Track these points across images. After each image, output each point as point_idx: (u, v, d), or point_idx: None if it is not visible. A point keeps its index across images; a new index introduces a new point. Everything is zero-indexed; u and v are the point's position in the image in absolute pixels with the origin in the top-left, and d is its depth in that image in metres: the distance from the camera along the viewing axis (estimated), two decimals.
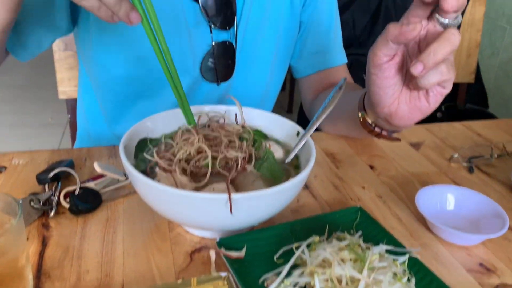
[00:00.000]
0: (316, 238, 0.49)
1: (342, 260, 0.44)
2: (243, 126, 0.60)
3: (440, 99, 0.54)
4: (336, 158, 0.73)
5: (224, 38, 0.76)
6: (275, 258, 0.49)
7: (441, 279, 0.47)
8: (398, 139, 0.65)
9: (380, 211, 0.61)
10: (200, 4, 0.72)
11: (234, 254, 0.49)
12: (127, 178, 0.62)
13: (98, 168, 0.57)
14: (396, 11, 1.41)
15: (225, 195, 0.45)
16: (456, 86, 1.60)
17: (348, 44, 1.41)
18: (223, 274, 0.46)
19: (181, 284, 0.45)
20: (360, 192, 0.65)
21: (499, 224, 0.55)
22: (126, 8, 0.48)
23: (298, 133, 0.59)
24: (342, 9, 1.40)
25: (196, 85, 0.78)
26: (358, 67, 1.37)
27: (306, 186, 0.65)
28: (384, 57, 0.52)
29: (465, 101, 1.59)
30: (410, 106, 0.55)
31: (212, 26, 0.73)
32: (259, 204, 0.48)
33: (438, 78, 0.49)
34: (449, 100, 1.56)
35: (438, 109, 1.50)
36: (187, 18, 0.72)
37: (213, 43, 0.75)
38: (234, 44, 0.76)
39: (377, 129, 0.63)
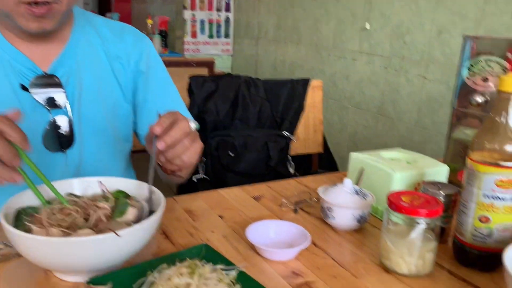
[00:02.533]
0: (164, 265, 0.65)
1: (181, 274, 0.60)
2: (105, 192, 0.77)
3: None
4: (193, 214, 0.91)
5: (61, 113, 0.94)
6: (133, 286, 0.63)
7: (262, 284, 0.65)
8: (181, 176, 0.89)
9: (223, 246, 0.78)
10: (32, 94, 0.90)
11: (100, 287, 0.62)
12: (7, 246, 0.72)
13: None
14: (251, 98, 1.71)
15: (88, 237, 0.59)
16: (309, 156, 1.92)
17: (214, 128, 1.66)
18: None
19: None
20: (210, 235, 0.82)
21: (306, 242, 0.75)
22: (10, 173, 0.65)
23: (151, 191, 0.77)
24: (206, 98, 1.67)
25: (44, 157, 0.93)
26: (225, 146, 1.60)
27: (167, 236, 0.81)
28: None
29: (318, 167, 1.91)
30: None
31: (48, 107, 0.92)
32: (121, 243, 0.62)
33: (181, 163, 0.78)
34: (304, 167, 1.86)
35: (294, 175, 1.78)
36: (24, 106, 0.90)
37: (51, 119, 0.93)
38: (69, 118, 0.95)
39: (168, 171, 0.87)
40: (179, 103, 1.11)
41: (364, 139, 2.49)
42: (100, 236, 0.60)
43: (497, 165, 0.70)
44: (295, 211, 0.94)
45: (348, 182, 0.87)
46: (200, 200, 0.97)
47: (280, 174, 1.68)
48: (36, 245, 0.60)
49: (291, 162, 1.72)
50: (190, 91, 1.69)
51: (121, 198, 0.75)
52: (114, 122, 1.03)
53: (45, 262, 0.62)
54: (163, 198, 0.72)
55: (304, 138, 1.89)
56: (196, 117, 1.65)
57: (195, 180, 1.60)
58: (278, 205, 0.97)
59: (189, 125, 0.75)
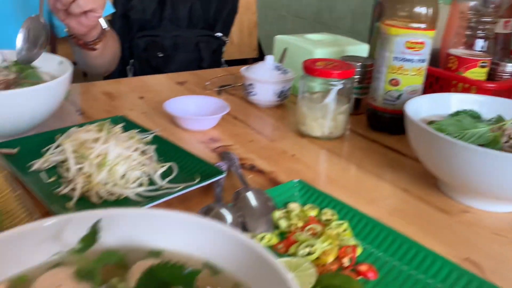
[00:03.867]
0: (74, 128, 0.63)
1: (88, 131, 0.58)
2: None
3: (91, 20, 0.77)
4: (112, 95, 0.88)
5: None
6: (42, 151, 0.61)
7: (179, 145, 0.64)
8: (94, 49, 0.86)
9: (142, 121, 0.77)
10: None
11: (5, 150, 0.60)
12: None
13: None
14: None
15: None
16: (244, 61, 1.89)
17: (141, 27, 1.58)
18: None
19: None
20: (128, 112, 0.80)
21: (225, 111, 0.75)
22: None
23: (60, 62, 0.72)
24: None
25: None
26: (153, 47, 1.54)
27: (82, 113, 0.78)
28: None
29: None
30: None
31: None
32: (25, 102, 0.59)
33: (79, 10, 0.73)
34: None
35: None
36: None
37: None
38: None
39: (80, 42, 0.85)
40: None
41: None
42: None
43: (407, 27, 0.71)
44: (219, 92, 0.93)
45: (269, 59, 0.87)
46: (120, 85, 0.94)
47: None
48: None
49: (225, 65, 1.69)
50: None
51: (29, 71, 0.71)
52: (26, 10, 0.93)
53: None
54: (71, 66, 0.68)
55: (239, 42, 1.85)
56: (121, 16, 1.56)
57: None
58: (203, 88, 0.95)
59: None
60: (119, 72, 1.60)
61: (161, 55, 1.54)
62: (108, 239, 0.33)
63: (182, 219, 0.35)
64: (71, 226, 0.33)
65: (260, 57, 1.95)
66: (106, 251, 0.33)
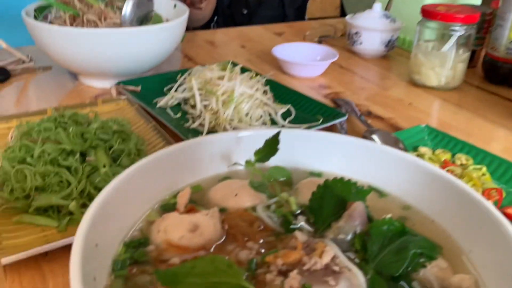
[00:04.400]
0: (197, 67, 0.64)
1: (211, 70, 0.59)
2: None
3: None
4: (215, 44, 0.89)
5: None
6: (164, 90, 0.63)
7: (292, 88, 0.64)
8: (200, 8, 0.93)
9: (248, 65, 0.77)
10: None
11: (131, 87, 0.62)
12: (30, 60, 0.72)
13: (3, 44, 0.66)
14: None
15: (112, 29, 0.57)
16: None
17: None
18: (123, 97, 0.59)
19: (89, 104, 0.57)
20: (234, 59, 0.80)
21: (334, 58, 0.74)
22: None
23: (175, 6, 0.73)
24: None
25: None
26: (238, 3, 1.52)
27: (190, 59, 0.80)
28: None
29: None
30: None
31: None
32: (151, 40, 0.61)
33: None
34: None
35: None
36: None
37: None
38: None
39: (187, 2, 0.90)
40: None
41: None
42: (126, 29, 0.59)
43: None
44: (319, 42, 0.91)
45: (377, 6, 0.83)
46: (219, 34, 0.95)
47: None
48: (68, 39, 0.58)
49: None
50: None
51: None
52: None
53: (68, 59, 0.61)
54: (186, 8, 0.69)
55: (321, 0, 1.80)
56: None
57: None
58: (302, 39, 0.94)
59: None
60: (203, 28, 1.62)
61: (245, 11, 1.52)
62: (272, 159, 0.33)
63: (344, 141, 0.34)
64: (237, 143, 0.34)
65: (342, 16, 1.89)
66: (275, 167, 0.34)
